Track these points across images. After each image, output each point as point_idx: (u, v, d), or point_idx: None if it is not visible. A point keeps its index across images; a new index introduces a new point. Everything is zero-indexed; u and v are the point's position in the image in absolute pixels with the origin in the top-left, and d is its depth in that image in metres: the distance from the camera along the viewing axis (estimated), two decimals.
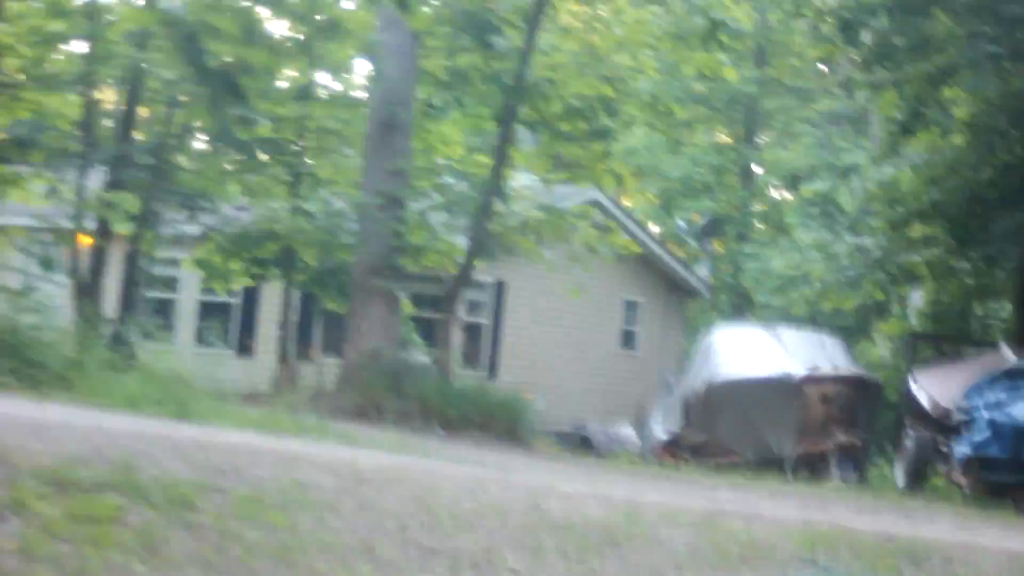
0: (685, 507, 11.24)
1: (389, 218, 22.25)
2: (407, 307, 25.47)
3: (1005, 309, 29.05)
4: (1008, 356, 22.83)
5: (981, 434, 20.87)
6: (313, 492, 8.86)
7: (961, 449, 21.01)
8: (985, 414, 20.99)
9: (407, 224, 22.50)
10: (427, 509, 8.99)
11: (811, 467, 24.88)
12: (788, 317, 37.75)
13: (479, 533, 8.75)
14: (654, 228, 43.72)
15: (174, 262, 28.93)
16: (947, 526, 16.70)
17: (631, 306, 34.67)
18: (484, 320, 31.30)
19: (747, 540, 9.74)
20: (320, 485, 9.09)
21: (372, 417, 20.19)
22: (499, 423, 20.68)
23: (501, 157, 22.31)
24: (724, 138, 47.66)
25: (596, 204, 29.67)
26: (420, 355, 24.85)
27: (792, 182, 42.15)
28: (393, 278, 22.14)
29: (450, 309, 22.80)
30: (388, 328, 22.65)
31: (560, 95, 22.17)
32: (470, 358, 30.72)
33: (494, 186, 22.17)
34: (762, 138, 47.65)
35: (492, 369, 31.23)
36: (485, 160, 23.18)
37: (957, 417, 21.58)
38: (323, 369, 23.86)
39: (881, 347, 29.45)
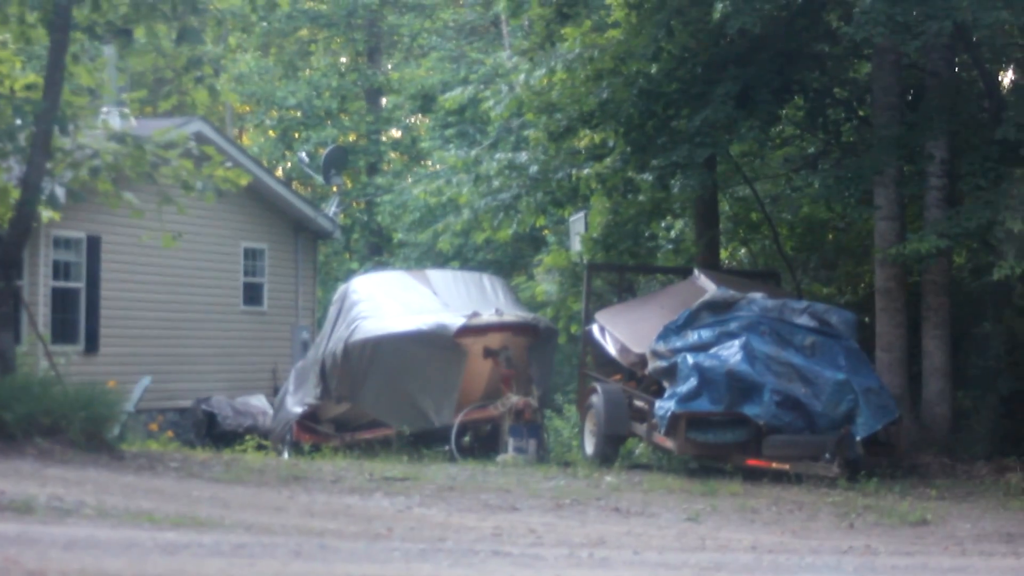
0: None
1: None
2: None
3: (676, 228, 25.41)
4: (705, 285, 18.95)
5: (687, 384, 16.98)
6: None
7: (664, 404, 17.01)
8: (689, 359, 17.06)
9: None
10: None
11: (479, 437, 20.63)
12: (433, 255, 33.85)
13: None
14: (277, 171, 39.04)
15: None
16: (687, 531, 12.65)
17: (253, 255, 29.97)
18: (78, 284, 26.05)
19: None
20: None
21: None
22: (76, 425, 15.56)
23: (56, 75, 17.03)
24: (345, 60, 43.12)
25: (199, 137, 24.87)
26: None
27: (425, 103, 37.91)
28: None
29: (7, 275, 17.41)
30: None
31: None
32: (65, 331, 25.56)
33: (50, 112, 16.86)
34: (388, 58, 43.33)
35: (91, 342, 26.24)
36: (40, 82, 17.84)
37: (654, 365, 17.58)
38: None
39: (545, 283, 25.34)
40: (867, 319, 20.42)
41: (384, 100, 42.23)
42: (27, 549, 7.93)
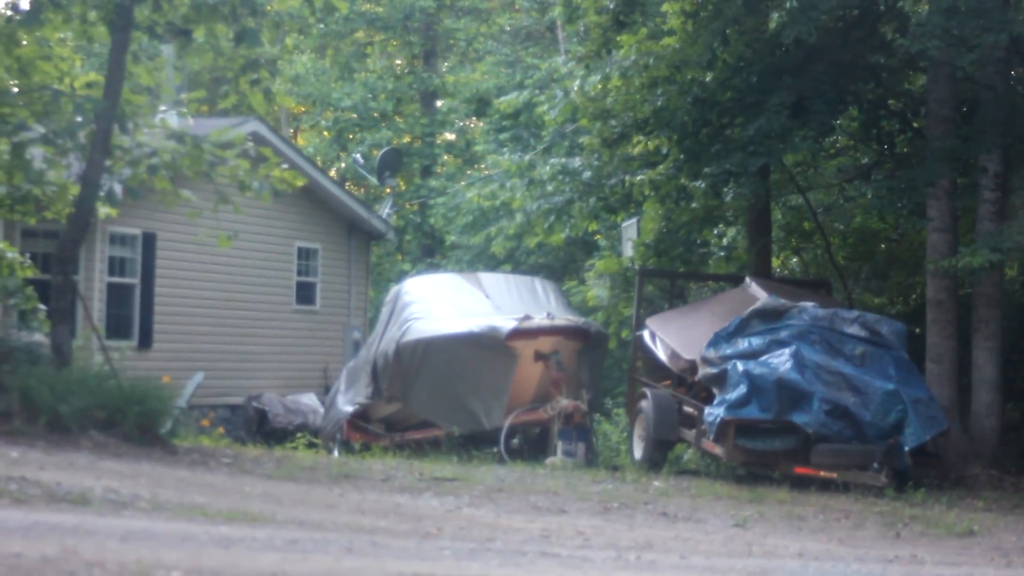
0: None
1: None
2: (24, 270, 20.22)
3: (728, 236, 25.44)
4: (756, 293, 18.99)
5: (736, 391, 17.01)
6: None
7: (713, 411, 17.07)
8: (739, 366, 17.09)
9: None
10: None
11: (528, 440, 20.74)
12: (486, 258, 34.00)
13: None
14: (331, 171, 39.26)
15: None
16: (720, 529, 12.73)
17: (307, 254, 30.17)
18: (132, 280, 26.28)
19: None
20: None
21: None
22: (130, 419, 15.75)
23: (117, 74, 17.23)
24: (401, 63, 43.34)
25: (256, 137, 25.05)
26: (37, 333, 19.63)
27: (480, 107, 38.08)
28: None
29: (65, 270, 17.62)
30: None
31: None
32: (119, 327, 25.78)
33: (110, 111, 17.07)
34: (443, 62, 43.50)
35: (145, 337, 26.42)
36: (100, 80, 18.05)
37: (704, 371, 17.65)
38: None
39: (596, 288, 25.43)
40: (918, 330, 20.40)
41: (439, 103, 42.40)
42: (85, 540, 8.08)
